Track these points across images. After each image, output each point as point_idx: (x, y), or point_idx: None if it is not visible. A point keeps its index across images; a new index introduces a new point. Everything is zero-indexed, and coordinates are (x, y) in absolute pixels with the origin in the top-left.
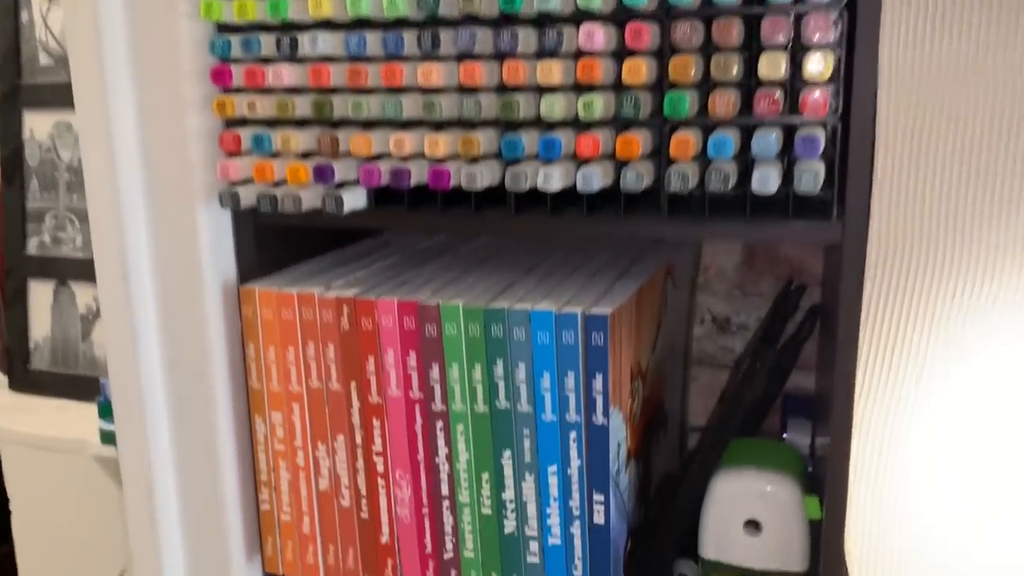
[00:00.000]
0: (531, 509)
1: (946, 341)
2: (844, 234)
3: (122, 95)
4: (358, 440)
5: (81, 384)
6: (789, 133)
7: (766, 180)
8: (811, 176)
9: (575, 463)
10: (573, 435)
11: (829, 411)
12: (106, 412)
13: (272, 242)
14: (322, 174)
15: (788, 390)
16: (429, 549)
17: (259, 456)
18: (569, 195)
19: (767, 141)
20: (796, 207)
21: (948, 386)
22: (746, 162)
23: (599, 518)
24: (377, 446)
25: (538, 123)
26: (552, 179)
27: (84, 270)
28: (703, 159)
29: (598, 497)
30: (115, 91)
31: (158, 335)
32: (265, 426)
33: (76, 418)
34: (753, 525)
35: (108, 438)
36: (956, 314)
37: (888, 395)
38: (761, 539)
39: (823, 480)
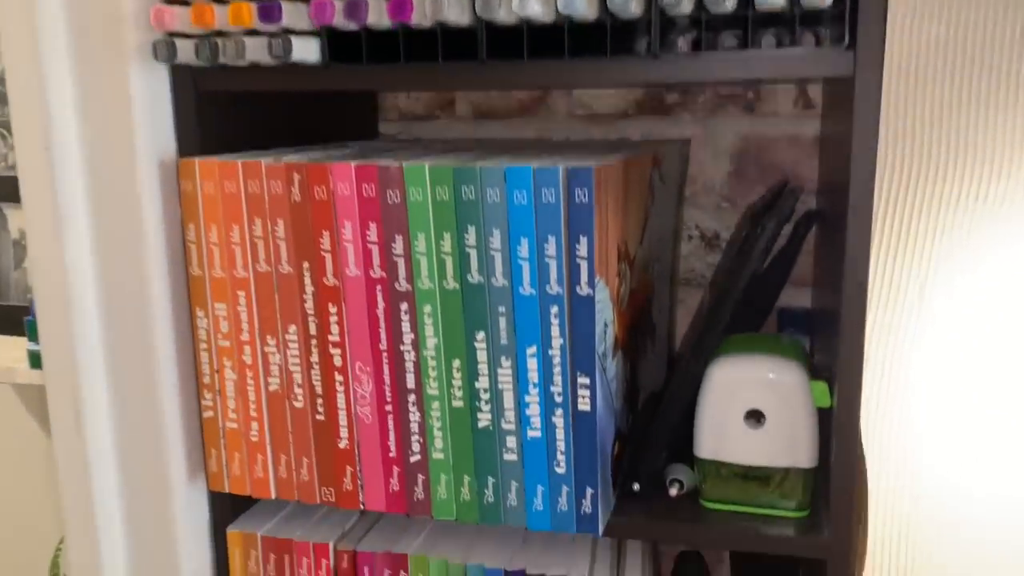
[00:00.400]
0: (508, 399)
1: (950, 249)
2: (856, 64)
3: None
4: (312, 330)
5: (14, 315)
6: None
7: None
8: None
9: (557, 342)
10: (555, 310)
11: (839, 292)
12: (34, 332)
13: (216, 116)
14: (268, 13)
15: (782, 305)
16: (393, 452)
17: (200, 355)
18: (546, 41)
19: None
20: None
21: (952, 295)
22: None
23: (584, 404)
24: (334, 335)
25: None
26: (529, 2)
27: (15, 189)
28: None
29: (583, 380)
30: None
31: (86, 217)
32: (207, 319)
33: (4, 349)
34: (755, 417)
35: (37, 360)
36: (962, 220)
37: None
38: (764, 432)
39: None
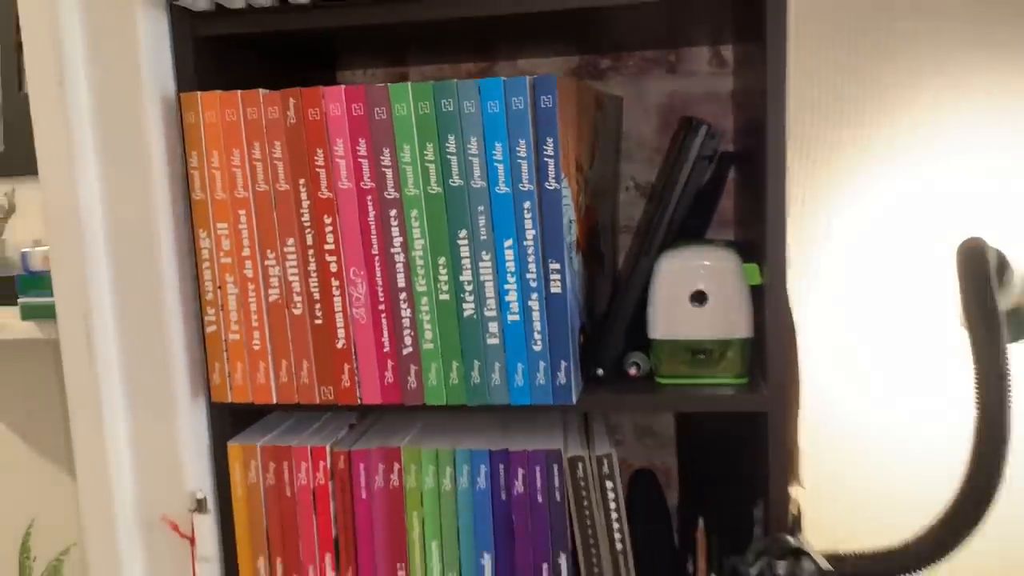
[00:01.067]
0: (489, 289)
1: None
2: None
3: None
4: (309, 241)
5: None
6: None
7: None
8: None
9: (530, 233)
10: (527, 204)
11: (763, 204)
12: (27, 285)
13: (212, 59)
14: None
15: (711, 237)
16: (387, 347)
17: (203, 273)
18: None
19: None
20: None
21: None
22: None
23: (556, 287)
24: (329, 244)
25: None
26: None
27: None
28: None
29: (554, 266)
30: None
31: (94, 149)
32: (210, 239)
33: None
34: (698, 298)
35: (30, 312)
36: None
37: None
38: (707, 310)
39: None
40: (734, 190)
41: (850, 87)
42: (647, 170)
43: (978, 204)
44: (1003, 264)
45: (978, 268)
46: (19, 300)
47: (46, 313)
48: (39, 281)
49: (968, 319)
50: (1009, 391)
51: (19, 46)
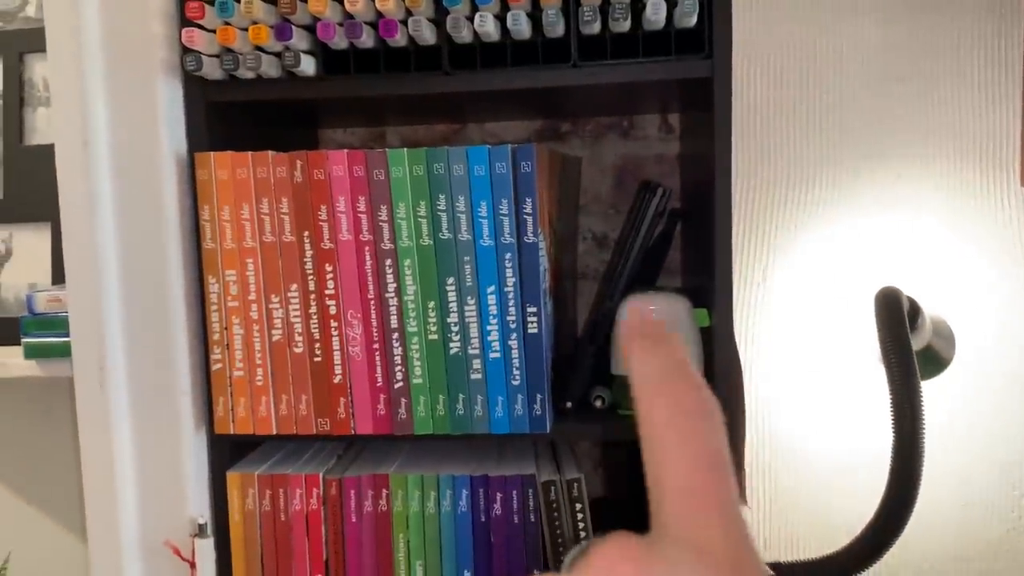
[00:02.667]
0: (473, 329)
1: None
2: (714, 69)
3: None
4: (311, 287)
5: None
6: None
7: (658, 10)
8: (692, 4)
9: (511, 281)
10: (508, 256)
11: (711, 263)
12: (30, 327)
13: (219, 121)
14: (282, 32)
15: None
16: (380, 382)
17: (211, 316)
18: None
19: None
20: (663, 48)
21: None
22: (637, 12)
23: (533, 328)
24: (330, 289)
25: None
26: (487, 21)
27: None
28: (603, 6)
29: (532, 309)
30: None
31: (113, 202)
32: (219, 284)
33: None
34: None
35: (33, 351)
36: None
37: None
38: None
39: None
40: (681, 243)
41: (781, 150)
42: (602, 223)
43: (893, 255)
44: (915, 309)
45: (893, 312)
46: (23, 340)
47: (49, 352)
48: (43, 322)
49: (885, 357)
50: (921, 421)
51: (22, 102)
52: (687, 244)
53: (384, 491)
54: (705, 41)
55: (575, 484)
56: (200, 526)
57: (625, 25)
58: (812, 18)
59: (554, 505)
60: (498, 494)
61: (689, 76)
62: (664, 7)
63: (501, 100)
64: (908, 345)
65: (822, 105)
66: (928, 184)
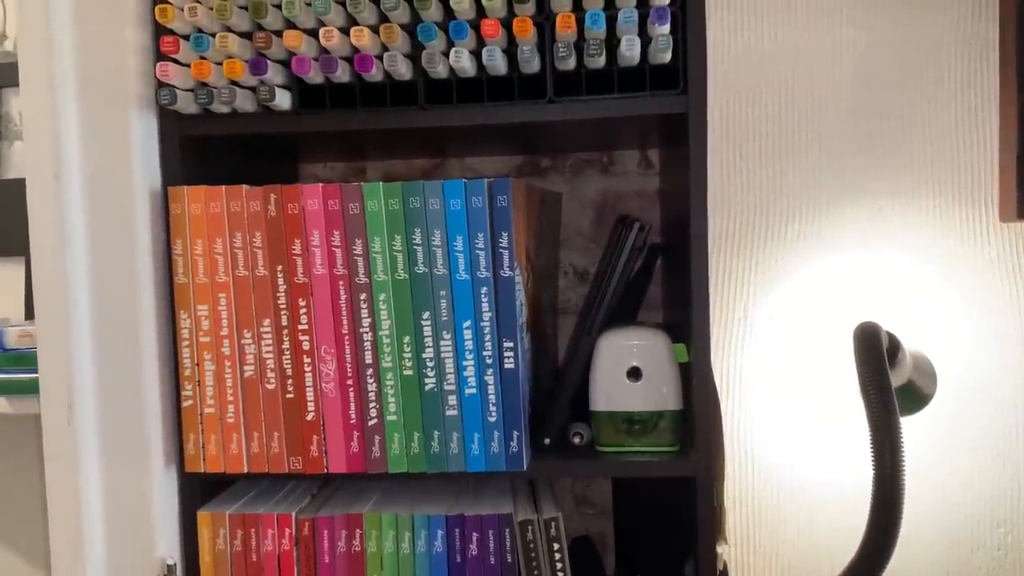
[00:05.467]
0: (449, 365)
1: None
2: (689, 104)
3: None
4: (284, 321)
5: None
6: (642, 21)
7: (632, 46)
8: (666, 40)
9: (487, 315)
10: (484, 290)
11: (688, 287)
12: (1, 362)
13: (193, 155)
14: (257, 67)
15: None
16: (353, 419)
17: (182, 351)
18: (468, 93)
19: (631, 14)
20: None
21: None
22: (611, 48)
23: (510, 363)
24: (303, 324)
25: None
26: (462, 56)
27: None
28: (579, 42)
29: (508, 344)
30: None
31: (84, 235)
32: (190, 319)
33: None
34: (634, 374)
35: (2, 388)
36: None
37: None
38: (642, 385)
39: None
40: (661, 278)
41: (761, 184)
42: (583, 257)
43: (872, 290)
44: (895, 345)
45: (873, 349)
46: None
47: (19, 389)
48: (13, 358)
49: (865, 394)
50: (901, 457)
51: None
52: (668, 279)
53: (358, 531)
54: (680, 76)
55: (552, 523)
56: (169, 567)
57: (600, 61)
58: (792, 52)
59: (531, 545)
60: (474, 534)
61: (664, 111)
62: (638, 43)
63: (479, 135)
64: (888, 382)
65: (802, 139)
66: (908, 219)
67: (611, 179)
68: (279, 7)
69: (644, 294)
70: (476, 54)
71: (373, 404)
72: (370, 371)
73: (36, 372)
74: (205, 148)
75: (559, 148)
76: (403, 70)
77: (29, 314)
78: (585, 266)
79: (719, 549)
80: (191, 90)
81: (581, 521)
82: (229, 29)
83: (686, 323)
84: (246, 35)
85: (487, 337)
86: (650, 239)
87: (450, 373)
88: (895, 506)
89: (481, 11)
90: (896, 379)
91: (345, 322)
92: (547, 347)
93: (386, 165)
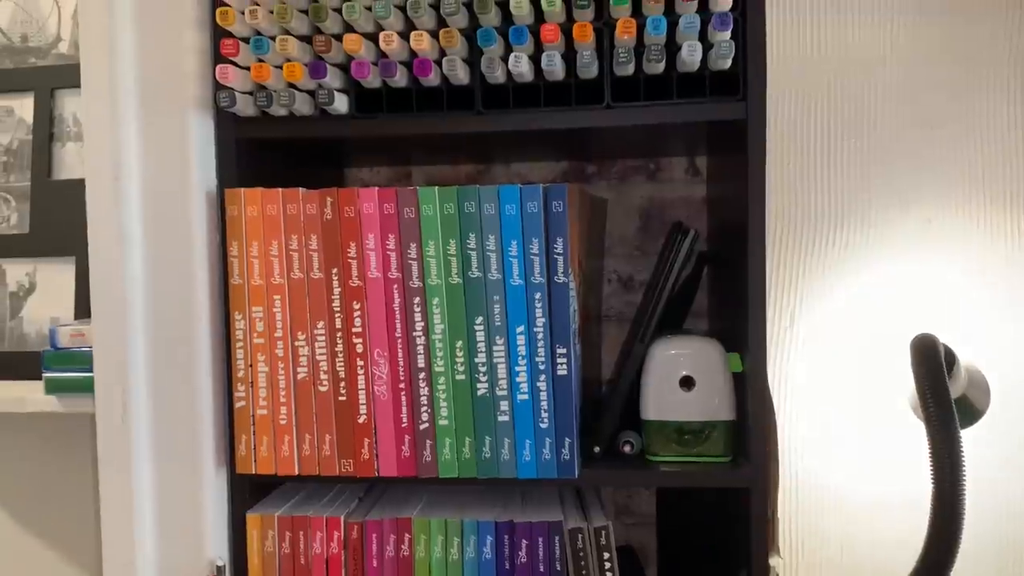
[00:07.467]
0: (501, 370)
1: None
2: (748, 111)
3: (124, 14)
4: (338, 324)
5: (9, 362)
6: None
7: (694, 52)
8: (728, 46)
9: (540, 321)
10: (538, 296)
11: (744, 307)
12: (52, 361)
13: (248, 158)
14: (316, 70)
15: (688, 327)
16: (405, 422)
17: (236, 353)
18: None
19: (693, 20)
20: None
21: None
22: (670, 54)
23: (562, 370)
24: (357, 327)
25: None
26: (522, 61)
27: (15, 246)
28: (639, 48)
29: (561, 351)
30: (119, 13)
31: (142, 236)
32: (245, 321)
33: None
34: (687, 383)
35: (55, 386)
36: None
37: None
38: (694, 394)
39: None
40: (707, 285)
41: (811, 192)
42: (627, 264)
43: (921, 301)
44: (951, 357)
45: (932, 362)
46: (44, 375)
47: (70, 388)
48: (65, 357)
49: (924, 409)
50: (962, 475)
51: (52, 137)
52: (714, 287)
53: (407, 536)
54: (740, 83)
55: (603, 532)
56: (218, 568)
57: (660, 67)
58: (842, 60)
59: (581, 553)
60: (524, 541)
61: (723, 118)
62: (700, 49)
63: (530, 141)
64: (947, 394)
65: (851, 148)
66: (957, 229)
67: (657, 186)
68: (339, 11)
69: (691, 303)
70: (534, 59)
71: (425, 408)
72: (422, 375)
73: (86, 371)
74: (259, 151)
75: (607, 154)
76: (462, 75)
77: (79, 313)
78: (630, 273)
79: (772, 562)
80: (250, 93)
81: (622, 531)
82: (288, 32)
83: (739, 332)
84: (305, 38)
85: (540, 343)
86: (699, 247)
87: (502, 379)
88: (955, 521)
89: (540, 16)
90: (952, 393)
91: (398, 326)
92: (593, 355)
93: (432, 170)
